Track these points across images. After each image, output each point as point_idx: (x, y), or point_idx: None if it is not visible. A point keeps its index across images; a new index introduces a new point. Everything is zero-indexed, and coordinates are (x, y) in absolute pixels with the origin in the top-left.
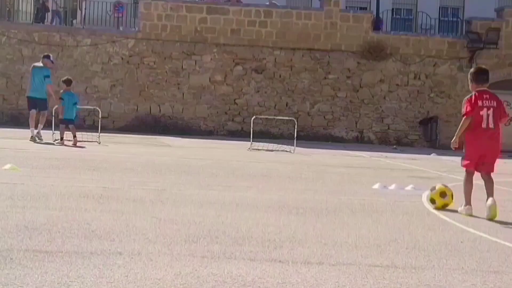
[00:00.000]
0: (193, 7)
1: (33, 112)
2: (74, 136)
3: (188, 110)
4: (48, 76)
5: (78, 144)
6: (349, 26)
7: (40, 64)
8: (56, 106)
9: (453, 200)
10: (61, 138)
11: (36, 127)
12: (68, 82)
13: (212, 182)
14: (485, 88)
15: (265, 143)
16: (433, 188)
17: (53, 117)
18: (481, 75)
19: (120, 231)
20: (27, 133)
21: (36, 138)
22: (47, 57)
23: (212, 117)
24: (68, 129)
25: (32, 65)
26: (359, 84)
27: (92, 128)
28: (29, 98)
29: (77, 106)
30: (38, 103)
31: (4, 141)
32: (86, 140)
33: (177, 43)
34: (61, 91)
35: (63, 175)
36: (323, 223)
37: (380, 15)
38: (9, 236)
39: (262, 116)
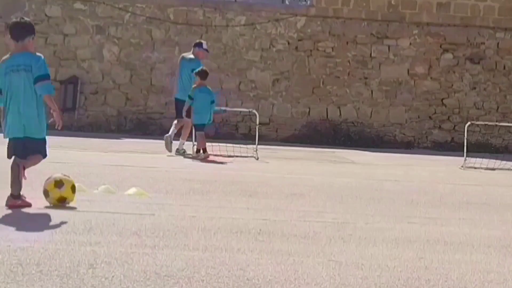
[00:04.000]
0: None
1: (184, 119)
2: (204, 150)
3: (378, 114)
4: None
5: (223, 160)
6: None
7: (190, 55)
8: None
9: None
10: (203, 150)
11: (184, 138)
12: (203, 75)
13: (411, 212)
14: None
15: (484, 159)
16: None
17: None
18: None
19: (286, 279)
20: (158, 145)
21: (183, 151)
22: (199, 45)
23: (411, 124)
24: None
25: (181, 56)
26: None
27: (248, 138)
28: (177, 100)
29: (215, 107)
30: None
31: (128, 155)
32: (239, 155)
33: (364, 23)
34: (194, 85)
35: (208, 203)
36: None
37: None
38: (134, 286)
39: (480, 122)
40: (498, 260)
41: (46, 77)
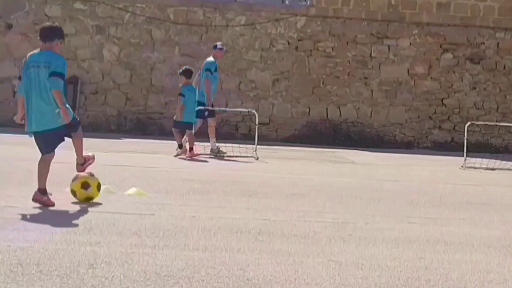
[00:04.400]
0: None
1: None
2: (191, 149)
3: (378, 114)
4: (208, 70)
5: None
6: None
7: (210, 58)
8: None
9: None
10: (188, 149)
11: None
12: (188, 74)
13: (411, 212)
14: None
15: (484, 159)
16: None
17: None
18: None
19: (286, 279)
20: (158, 145)
21: (218, 151)
22: (214, 47)
23: (411, 124)
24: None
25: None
26: None
27: (248, 138)
28: (198, 103)
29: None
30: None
31: (128, 155)
32: (239, 155)
33: (364, 23)
34: (180, 85)
35: (208, 203)
36: None
37: None
38: (134, 286)
39: (480, 122)
40: (498, 260)
41: (60, 75)
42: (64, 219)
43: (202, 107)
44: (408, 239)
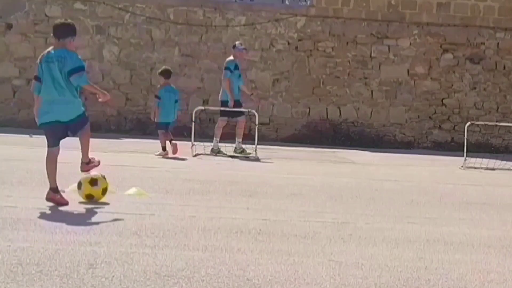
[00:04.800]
0: None
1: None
2: (164, 148)
3: (378, 114)
4: (227, 69)
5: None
6: None
7: (230, 57)
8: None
9: None
10: (162, 149)
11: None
12: (166, 74)
13: (411, 212)
14: None
15: (484, 159)
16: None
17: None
18: None
19: (286, 279)
20: (158, 145)
21: (242, 150)
22: (233, 46)
23: (411, 124)
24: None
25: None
26: None
27: (248, 138)
28: (221, 102)
29: (179, 106)
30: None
31: (128, 155)
32: (239, 154)
33: (364, 23)
34: (158, 86)
35: (208, 203)
36: None
37: None
38: (134, 286)
39: (480, 122)
40: (498, 260)
41: (81, 68)
42: (64, 219)
43: (225, 107)
44: (408, 239)
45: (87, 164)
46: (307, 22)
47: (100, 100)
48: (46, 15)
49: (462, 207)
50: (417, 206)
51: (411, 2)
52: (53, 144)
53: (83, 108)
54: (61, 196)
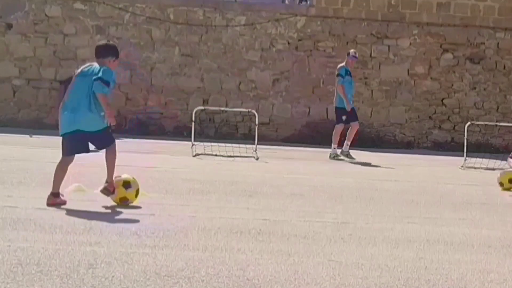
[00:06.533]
0: None
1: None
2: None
3: (378, 114)
4: (339, 75)
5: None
6: None
7: (342, 63)
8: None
9: None
10: None
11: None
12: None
13: (411, 212)
14: None
15: (484, 159)
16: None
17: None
18: None
19: (286, 279)
20: (158, 145)
21: (345, 155)
22: (347, 54)
23: (411, 124)
24: None
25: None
26: None
27: (248, 138)
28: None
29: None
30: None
31: (128, 155)
32: (239, 155)
33: (364, 23)
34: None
35: (208, 203)
36: None
37: None
38: (134, 286)
39: (480, 122)
40: (498, 260)
41: (105, 81)
42: (64, 219)
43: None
44: (408, 239)
45: (108, 183)
46: (307, 22)
47: (102, 114)
48: (46, 15)
49: (462, 207)
50: (417, 206)
51: (411, 2)
52: (69, 153)
53: (107, 124)
54: (61, 199)
